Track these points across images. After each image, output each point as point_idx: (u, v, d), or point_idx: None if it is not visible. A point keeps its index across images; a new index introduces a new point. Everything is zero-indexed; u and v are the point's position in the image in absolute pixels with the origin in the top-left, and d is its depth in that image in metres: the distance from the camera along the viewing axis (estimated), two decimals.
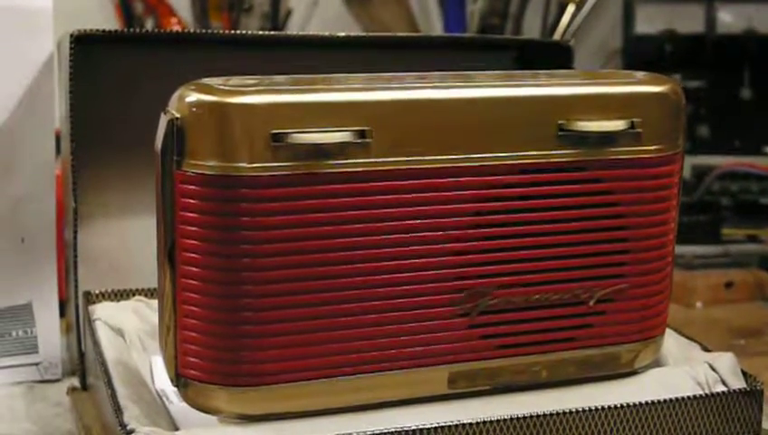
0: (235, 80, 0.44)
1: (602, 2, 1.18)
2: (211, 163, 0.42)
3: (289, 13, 1.04)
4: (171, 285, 0.44)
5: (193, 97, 0.43)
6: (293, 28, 1.04)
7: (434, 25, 1.12)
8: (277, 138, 0.42)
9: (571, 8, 1.15)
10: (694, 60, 1.08)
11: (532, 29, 1.16)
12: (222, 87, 0.43)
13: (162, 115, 0.44)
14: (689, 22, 1.10)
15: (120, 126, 0.62)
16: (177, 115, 0.43)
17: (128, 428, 0.44)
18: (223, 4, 1.02)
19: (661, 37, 1.10)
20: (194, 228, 0.43)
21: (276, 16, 1.03)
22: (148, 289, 0.60)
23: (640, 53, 1.10)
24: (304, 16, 1.06)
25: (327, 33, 0.64)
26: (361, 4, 1.11)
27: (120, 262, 0.62)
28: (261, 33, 0.80)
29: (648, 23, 1.11)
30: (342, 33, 0.63)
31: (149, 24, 1.03)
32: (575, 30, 1.15)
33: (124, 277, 0.61)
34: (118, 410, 0.45)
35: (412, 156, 0.44)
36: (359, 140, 0.43)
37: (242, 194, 0.43)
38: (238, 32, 0.69)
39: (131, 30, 0.91)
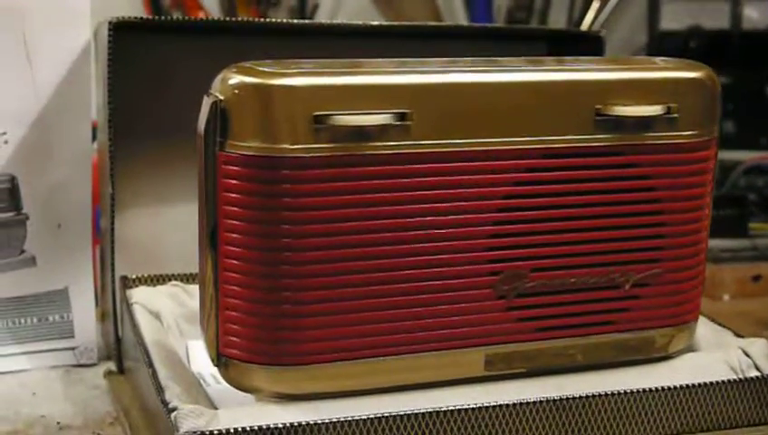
0: (277, 63, 0.45)
1: None
2: (253, 144, 0.43)
3: (316, 6, 1.05)
4: (213, 265, 0.45)
5: (236, 79, 0.43)
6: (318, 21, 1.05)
7: (458, 19, 1.13)
8: (319, 119, 0.43)
9: (596, 4, 1.15)
10: (719, 56, 1.08)
11: (557, 24, 1.16)
12: (265, 69, 0.43)
13: (205, 97, 0.44)
14: (715, 18, 1.10)
15: (154, 114, 0.63)
16: (221, 97, 0.43)
17: (170, 405, 0.44)
18: None
19: (686, 33, 1.10)
20: (236, 209, 0.44)
21: (303, 10, 1.04)
22: (184, 274, 0.60)
23: (665, 49, 1.10)
24: (331, 10, 1.07)
25: (361, 22, 0.64)
26: None
27: (153, 248, 0.63)
28: (296, 21, 0.80)
29: (674, 18, 1.11)
30: (375, 22, 0.64)
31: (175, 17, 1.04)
32: (600, 25, 1.15)
33: (158, 263, 0.62)
34: (159, 389, 0.46)
35: (452, 138, 0.45)
36: (399, 123, 0.44)
37: (284, 175, 0.43)
38: (274, 20, 0.69)
39: (169, 18, 0.91)
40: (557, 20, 1.17)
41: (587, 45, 0.67)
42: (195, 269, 0.60)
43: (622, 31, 1.21)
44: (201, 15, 1.03)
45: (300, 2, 1.04)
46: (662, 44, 1.11)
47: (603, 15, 1.18)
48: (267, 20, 0.70)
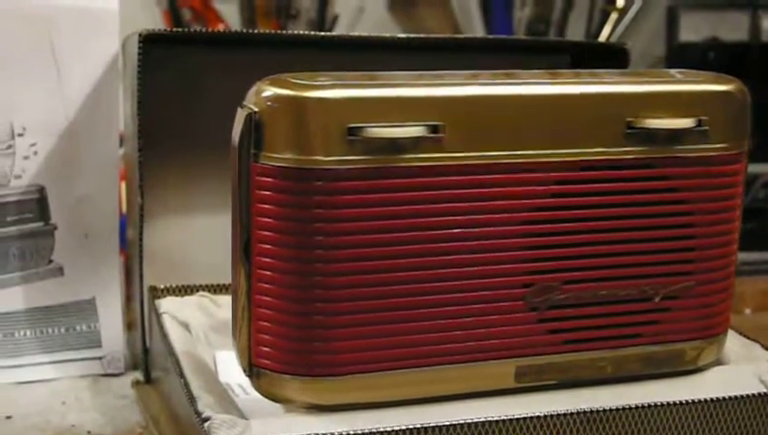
0: (311, 75, 0.45)
1: (645, 9, 1.19)
2: (287, 156, 0.43)
3: (335, 18, 1.05)
4: (246, 276, 0.45)
5: (270, 91, 0.44)
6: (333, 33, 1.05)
7: (477, 31, 1.13)
8: (353, 131, 0.43)
9: (614, 15, 1.15)
10: (738, 68, 1.08)
11: (574, 36, 1.17)
12: (299, 81, 0.44)
13: (239, 109, 0.45)
14: (733, 30, 1.11)
15: (181, 125, 0.63)
16: (255, 109, 0.44)
17: (203, 415, 0.44)
18: (271, 11, 1.03)
19: (705, 45, 1.11)
20: (269, 220, 0.44)
21: (323, 22, 1.05)
22: (211, 285, 0.61)
23: (684, 61, 1.10)
24: (350, 22, 1.07)
25: (385, 35, 0.64)
26: (406, 10, 1.12)
27: (181, 259, 0.63)
28: (325, 34, 0.81)
29: (692, 30, 1.11)
30: (399, 35, 0.64)
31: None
32: (618, 38, 1.16)
33: (185, 274, 0.62)
34: (192, 399, 0.46)
35: (484, 151, 0.45)
36: (432, 135, 0.44)
37: (317, 187, 0.43)
38: (303, 32, 0.70)
39: (198, 30, 0.91)
40: (574, 32, 1.17)
41: (611, 58, 0.68)
42: (222, 280, 0.61)
43: (640, 43, 1.21)
44: (221, 28, 1.04)
45: (319, 14, 1.05)
46: (681, 56, 1.11)
47: (621, 27, 1.19)
48: (300, 32, 0.71)
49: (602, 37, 1.13)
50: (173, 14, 1.04)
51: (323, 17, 1.04)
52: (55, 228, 0.61)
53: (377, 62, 0.54)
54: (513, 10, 1.05)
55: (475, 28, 1.14)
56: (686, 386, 0.50)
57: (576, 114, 0.46)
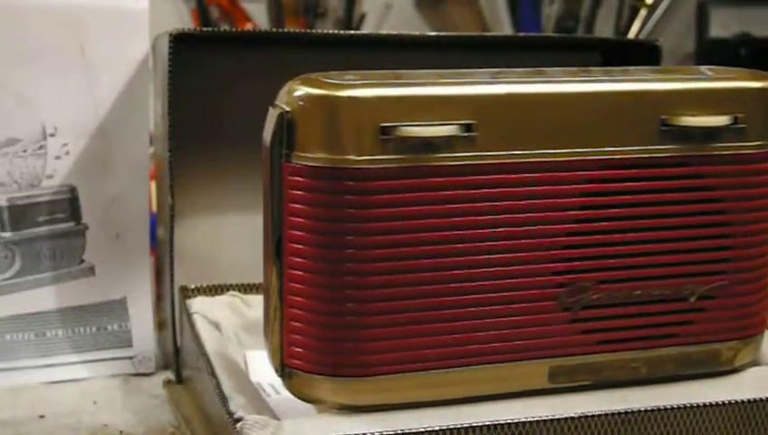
0: (343, 74, 0.45)
1: (675, 5, 1.18)
2: (319, 155, 0.43)
3: (362, 17, 1.05)
4: (278, 276, 0.45)
5: (302, 91, 0.44)
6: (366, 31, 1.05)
7: (505, 29, 1.13)
8: (385, 131, 0.43)
9: (643, 11, 1.14)
10: None
11: (602, 32, 1.16)
12: (331, 81, 0.44)
13: (271, 109, 0.45)
14: (765, 25, 1.09)
15: (210, 124, 0.63)
16: (287, 109, 0.44)
17: (235, 416, 0.44)
18: (298, 9, 1.03)
19: (736, 41, 1.09)
20: (301, 220, 0.44)
21: (350, 20, 1.05)
22: (242, 284, 0.61)
23: (714, 57, 1.09)
24: (377, 20, 1.07)
25: (416, 33, 0.64)
26: (433, 7, 1.11)
27: (210, 258, 0.63)
28: (353, 32, 0.80)
29: (723, 26, 1.10)
30: (431, 33, 0.64)
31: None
32: (647, 34, 1.15)
33: (214, 273, 0.62)
34: (224, 399, 0.46)
35: (517, 150, 0.45)
36: (465, 134, 0.44)
37: (349, 186, 0.43)
38: (332, 31, 0.70)
39: (228, 29, 0.92)
40: (602, 29, 1.16)
41: (642, 55, 0.67)
42: (252, 279, 0.61)
43: (669, 39, 1.20)
44: (249, 27, 1.04)
45: (347, 12, 1.04)
46: (711, 52, 1.10)
47: (650, 24, 1.18)
48: (327, 31, 0.71)
49: (631, 33, 1.12)
50: (201, 11, 1.04)
51: (351, 15, 1.04)
52: (86, 228, 0.61)
53: (404, 61, 0.54)
54: (542, 6, 1.04)
55: (503, 25, 1.13)
56: (723, 387, 0.49)
57: (610, 112, 0.46)
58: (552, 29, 1.00)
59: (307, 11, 1.02)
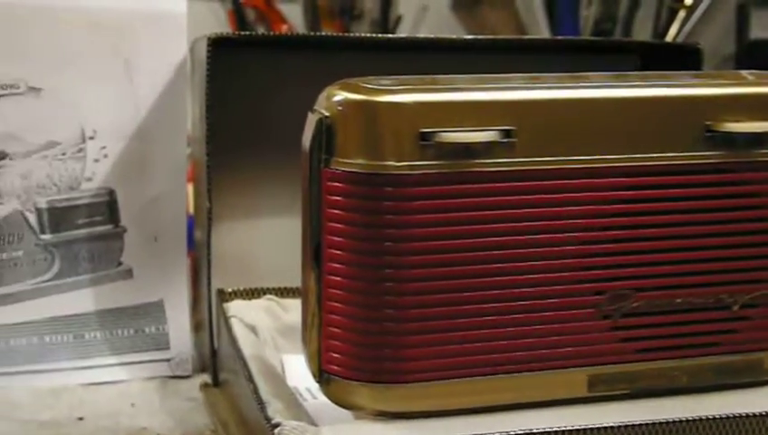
0: (382, 79, 0.45)
1: (714, 6, 1.16)
2: (359, 161, 0.43)
3: (399, 19, 1.05)
4: (316, 281, 0.45)
5: (341, 96, 0.43)
6: (402, 34, 1.05)
7: (541, 31, 1.12)
8: (425, 137, 0.43)
9: (681, 13, 1.13)
10: None
11: (640, 35, 1.15)
12: (370, 86, 0.43)
13: (310, 114, 0.45)
14: None
15: (247, 128, 0.63)
16: (326, 114, 0.43)
17: (273, 421, 0.44)
18: (334, 11, 1.03)
19: None
20: (340, 226, 0.44)
21: (386, 23, 1.04)
22: (278, 288, 0.61)
23: (754, 59, 1.08)
24: (413, 22, 1.07)
25: (453, 36, 0.64)
26: (469, 9, 1.11)
27: (247, 262, 0.63)
28: (391, 36, 0.80)
29: (764, 28, 1.09)
30: (468, 36, 0.63)
31: (260, 31, 1.05)
32: (686, 35, 1.13)
33: (251, 277, 0.62)
34: (261, 404, 0.46)
35: (557, 156, 0.44)
36: (504, 140, 0.44)
37: (388, 192, 0.43)
38: (370, 35, 0.70)
39: (266, 33, 0.92)
40: (639, 31, 1.15)
41: (683, 58, 0.66)
42: (289, 283, 0.61)
43: (708, 41, 1.18)
44: (285, 29, 1.04)
45: (382, 15, 1.04)
46: (751, 54, 1.08)
47: (689, 25, 1.16)
48: (365, 35, 0.70)
49: (669, 36, 1.11)
50: (238, 13, 1.04)
51: (387, 18, 1.04)
52: (125, 231, 0.62)
53: (440, 64, 0.54)
54: (580, 9, 1.03)
55: (540, 27, 1.12)
56: (765, 397, 0.48)
57: (652, 117, 0.45)
58: (589, 31, 0.99)
59: (343, 13, 1.02)
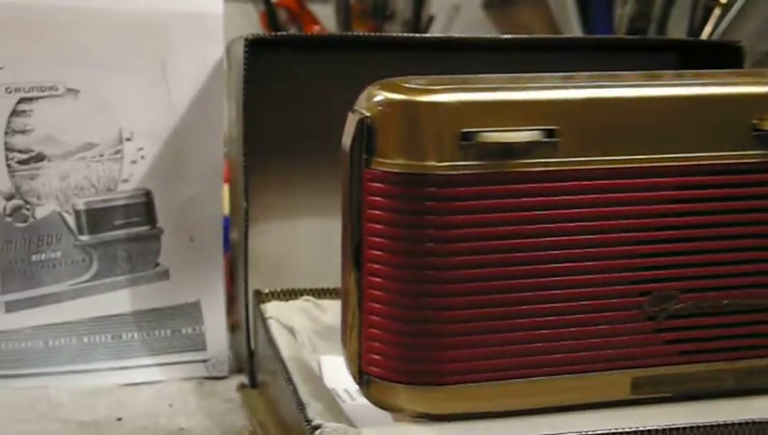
0: (423, 79, 0.44)
1: (750, 4, 1.15)
2: (399, 161, 0.43)
3: (431, 19, 1.04)
4: (357, 282, 0.44)
5: (382, 96, 0.43)
6: (435, 34, 1.04)
7: (574, 30, 1.11)
8: (467, 136, 0.42)
9: (717, 11, 1.12)
10: None
11: (674, 33, 1.13)
12: (411, 86, 0.43)
13: (350, 114, 0.44)
14: None
15: (283, 129, 0.63)
16: (367, 114, 0.43)
17: (313, 423, 0.44)
18: (366, 12, 1.03)
19: None
20: (380, 226, 0.43)
21: (418, 23, 1.04)
22: (315, 289, 0.61)
23: None
24: (445, 22, 1.06)
25: (489, 36, 0.63)
26: (501, 9, 1.10)
27: (284, 262, 0.63)
28: (428, 36, 0.80)
29: None
30: (508, 36, 0.63)
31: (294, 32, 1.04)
32: (721, 33, 1.12)
33: (287, 278, 0.62)
34: (301, 405, 0.46)
35: (601, 155, 0.44)
36: (547, 139, 0.43)
37: (430, 192, 0.43)
38: (406, 34, 0.69)
39: (303, 34, 0.91)
40: (673, 29, 1.14)
41: (723, 56, 0.65)
42: (325, 284, 0.61)
43: (744, 38, 1.17)
44: (317, 30, 1.04)
45: (415, 15, 1.04)
46: None
47: (724, 24, 1.15)
48: (401, 34, 0.70)
49: (704, 34, 1.10)
50: (270, 15, 1.04)
51: (419, 18, 1.03)
52: (161, 232, 0.62)
53: (474, 64, 0.53)
54: (614, 7, 1.02)
55: (572, 27, 1.11)
56: None
57: (699, 116, 0.45)
58: (624, 30, 0.98)
59: (375, 13, 1.01)
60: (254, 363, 0.59)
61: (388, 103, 0.43)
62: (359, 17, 1.04)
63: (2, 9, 0.58)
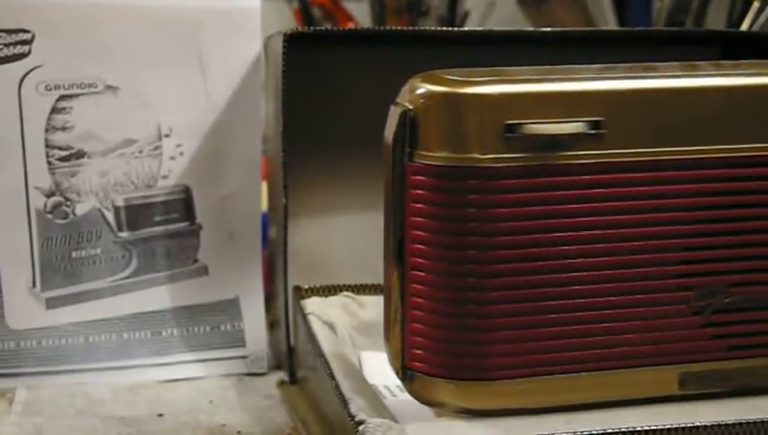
0: (464, 71, 0.44)
1: None
2: (443, 154, 0.42)
3: (466, 15, 1.04)
4: (399, 277, 0.44)
5: (424, 88, 0.43)
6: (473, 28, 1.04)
7: (610, 26, 1.10)
8: (511, 129, 0.42)
9: (756, 4, 1.10)
10: None
11: (712, 27, 1.12)
12: (453, 78, 0.43)
13: (392, 107, 0.44)
14: None
15: (321, 124, 0.63)
16: (409, 107, 0.43)
17: (357, 419, 0.44)
18: (401, 8, 1.03)
19: None
20: (423, 220, 0.43)
21: (453, 19, 1.03)
22: (354, 285, 0.60)
23: None
24: (480, 18, 1.06)
25: (529, 29, 0.63)
26: (537, 4, 1.09)
27: (322, 258, 0.63)
28: (468, 29, 0.79)
29: None
30: (547, 29, 0.62)
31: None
32: (759, 27, 1.11)
33: (326, 274, 0.62)
34: (344, 401, 0.46)
35: (647, 147, 0.43)
36: (593, 131, 0.42)
37: (473, 185, 0.42)
38: (445, 29, 0.69)
39: (341, 29, 0.91)
40: (710, 23, 1.13)
41: (765, 49, 0.64)
42: (365, 280, 0.60)
43: None
44: (351, 26, 1.04)
45: (449, 11, 1.03)
46: None
47: (762, 17, 1.13)
48: (445, 29, 0.70)
49: (744, 27, 1.08)
50: (304, 12, 1.04)
51: (454, 14, 1.02)
52: (200, 228, 0.62)
53: (511, 58, 0.52)
54: (652, 1, 1.01)
55: (608, 21, 1.10)
56: None
57: (746, 107, 0.44)
58: (662, 24, 0.97)
59: (410, 9, 1.01)
60: (293, 360, 0.58)
61: (431, 96, 0.42)
62: (393, 14, 1.03)
63: (41, 8, 0.59)
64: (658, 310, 0.45)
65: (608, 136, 0.43)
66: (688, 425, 0.43)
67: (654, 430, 0.43)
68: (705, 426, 0.44)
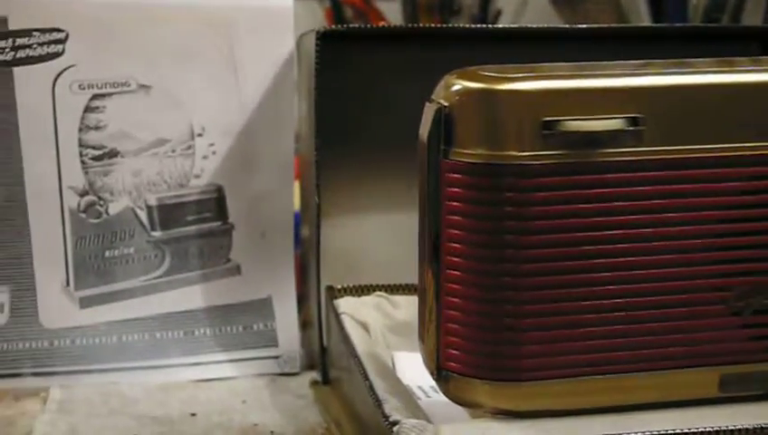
0: (500, 67, 0.43)
1: None
2: (479, 151, 0.42)
3: (498, 13, 1.03)
4: (434, 276, 0.43)
5: (460, 85, 0.42)
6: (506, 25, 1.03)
7: (644, 20, 1.09)
8: (548, 125, 0.41)
9: None
10: None
11: (748, 24, 1.10)
12: (489, 74, 0.42)
13: (427, 104, 0.43)
14: None
15: (354, 123, 0.63)
16: (445, 103, 0.42)
17: (391, 419, 0.43)
18: (433, 7, 1.02)
19: None
20: (459, 218, 0.43)
21: (485, 17, 1.03)
22: (387, 285, 0.60)
23: None
24: (513, 16, 1.05)
25: (564, 25, 0.62)
26: (570, 2, 1.08)
27: (354, 258, 0.62)
28: (504, 26, 0.79)
29: None
30: (582, 26, 0.62)
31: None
32: None
33: (359, 273, 0.61)
34: (378, 402, 0.45)
35: (687, 144, 0.42)
36: (631, 128, 0.42)
37: (510, 183, 0.42)
38: (478, 26, 0.68)
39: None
40: (746, 21, 1.11)
41: None
42: (397, 280, 0.60)
43: None
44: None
45: (482, 9, 1.03)
46: None
47: None
48: (481, 26, 0.69)
49: None
50: (335, 11, 1.04)
51: (486, 12, 1.02)
52: (233, 227, 0.62)
53: (545, 55, 0.52)
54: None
55: (643, 20, 1.09)
56: None
57: None
58: (699, 20, 0.95)
59: (442, 8, 1.01)
60: (326, 360, 0.58)
61: (467, 92, 0.42)
62: (425, 13, 1.03)
63: (75, 7, 0.59)
64: (697, 310, 0.44)
65: (646, 133, 0.42)
66: (729, 428, 0.43)
67: (694, 432, 0.42)
68: (747, 429, 0.43)
